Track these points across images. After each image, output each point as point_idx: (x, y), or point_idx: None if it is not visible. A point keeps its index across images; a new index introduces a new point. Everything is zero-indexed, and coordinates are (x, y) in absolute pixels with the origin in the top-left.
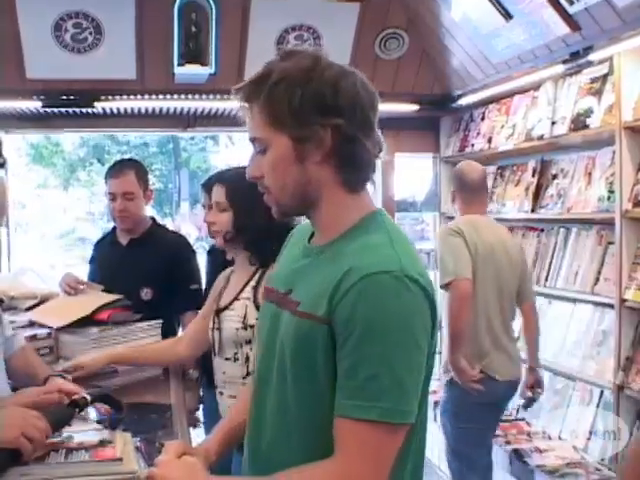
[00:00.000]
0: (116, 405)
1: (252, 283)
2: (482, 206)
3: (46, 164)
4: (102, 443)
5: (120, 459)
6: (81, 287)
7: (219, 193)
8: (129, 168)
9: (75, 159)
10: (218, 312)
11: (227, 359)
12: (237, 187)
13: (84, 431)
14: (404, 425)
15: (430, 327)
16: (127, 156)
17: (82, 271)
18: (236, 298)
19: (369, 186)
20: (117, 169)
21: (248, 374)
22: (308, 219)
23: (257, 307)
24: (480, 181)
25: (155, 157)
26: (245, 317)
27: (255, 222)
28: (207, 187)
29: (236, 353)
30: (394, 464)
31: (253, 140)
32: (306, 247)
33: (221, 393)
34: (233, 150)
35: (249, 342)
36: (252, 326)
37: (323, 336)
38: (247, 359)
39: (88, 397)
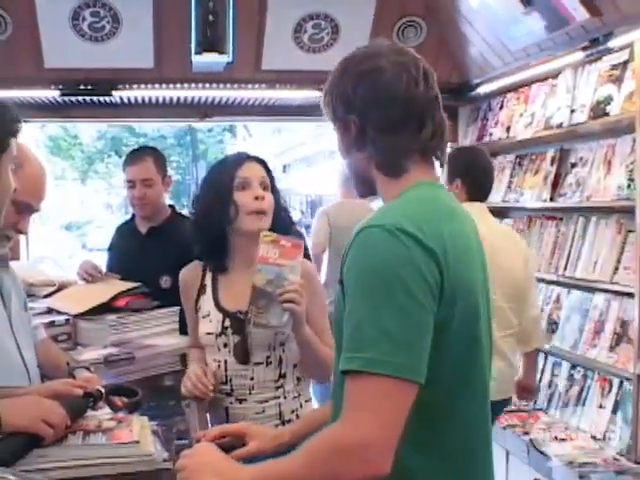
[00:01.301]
0: (132, 393)
1: None
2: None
3: (64, 156)
4: (119, 426)
5: (137, 442)
6: (99, 275)
7: (264, 172)
8: (147, 155)
9: (93, 151)
10: (237, 316)
11: (257, 364)
12: (271, 171)
13: (101, 415)
14: (401, 380)
15: (438, 284)
16: None
17: (97, 258)
18: None
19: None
20: (135, 156)
21: (281, 376)
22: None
23: None
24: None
25: (172, 149)
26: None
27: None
28: None
29: (269, 357)
30: (438, 428)
31: None
32: None
33: (240, 401)
34: (250, 142)
35: (283, 344)
36: (286, 326)
37: (340, 296)
38: (280, 361)
39: (102, 390)
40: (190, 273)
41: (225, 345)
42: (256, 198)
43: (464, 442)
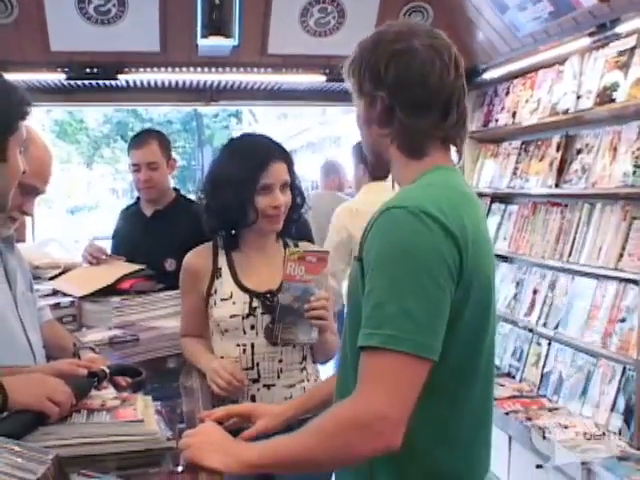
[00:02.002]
0: (136, 373)
1: None
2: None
3: (70, 141)
4: (123, 405)
5: (141, 420)
6: (103, 257)
7: (286, 172)
8: (152, 138)
9: (99, 136)
10: (265, 295)
11: (286, 345)
12: (292, 161)
13: (105, 395)
14: (417, 357)
15: (457, 268)
16: None
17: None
18: None
19: (437, 152)
20: (140, 139)
21: (304, 358)
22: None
23: None
24: None
25: (178, 134)
26: None
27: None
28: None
29: None
30: (444, 410)
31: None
32: None
33: (268, 387)
34: (256, 127)
35: None
36: None
37: (359, 273)
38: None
39: (107, 370)
40: (199, 258)
41: (252, 327)
42: (275, 207)
43: (467, 424)
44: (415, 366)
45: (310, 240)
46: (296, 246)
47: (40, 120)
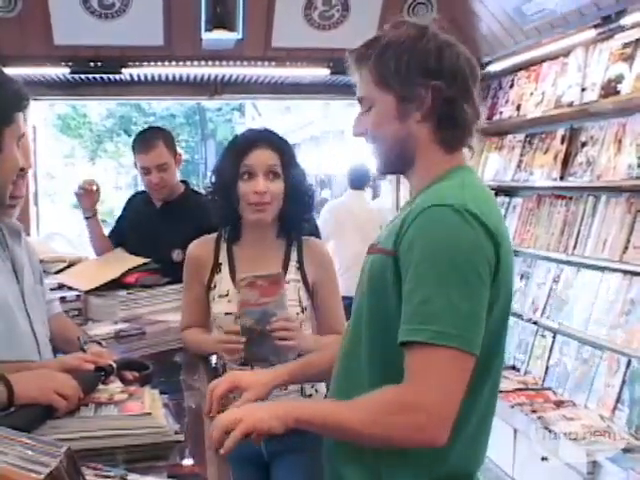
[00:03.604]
0: (143, 367)
1: (294, 263)
2: None
3: (73, 135)
4: (130, 399)
5: (149, 413)
6: (94, 188)
7: (274, 158)
8: (157, 139)
9: (102, 130)
10: None
11: (256, 365)
12: (289, 151)
13: (112, 388)
14: (465, 353)
15: (494, 265)
16: None
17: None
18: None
19: (465, 150)
20: (145, 143)
21: (300, 356)
22: (405, 177)
23: (307, 287)
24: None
25: (182, 128)
26: (300, 299)
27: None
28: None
29: None
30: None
31: (360, 99)
32: (404, 205)
33: None
34: (259, 121)
35: (302, 321)
36: (306, 307)
37: (392, 267)
38: None
39: (114, 364)
40: (201, 249)
41: None
42: (256, 192)
43: (476, 417)
44: (463, 362)
45: (314, 235)
46: (299, 243)
47: (43, 114)
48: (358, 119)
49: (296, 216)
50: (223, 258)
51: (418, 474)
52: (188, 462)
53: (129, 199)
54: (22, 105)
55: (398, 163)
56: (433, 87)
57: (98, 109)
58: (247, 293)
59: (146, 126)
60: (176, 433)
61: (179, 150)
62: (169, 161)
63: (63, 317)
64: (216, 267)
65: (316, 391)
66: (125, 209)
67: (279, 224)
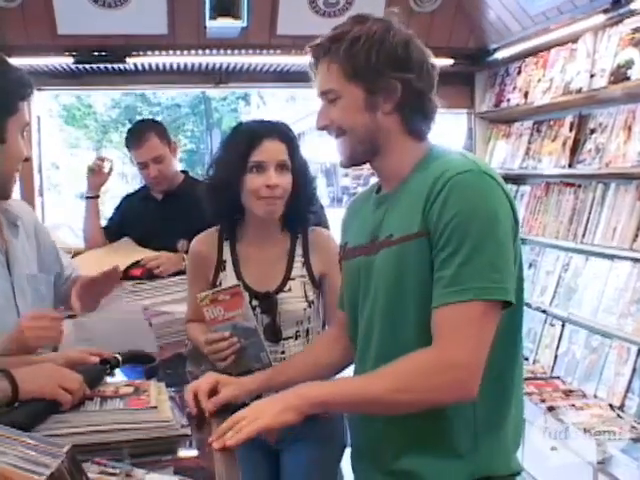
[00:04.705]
0: (148, 359)
1: (299, 258)
2: None
3: (78, 125)
4: (136, 392)
5: (154, 407)
6: (105, 170)
7: (284, 151)
8: (148, 132)
9: (107, 120)
10: (264, 296)
11: (286, 339)
12: (296, 142)
13: (118, 382)
14: (499, 303)
15: (513, 222)
16: (159, 117)
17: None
18: (289, 278)
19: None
20: (138, 137)
21: None
22: (373, 168)
23: (313, 280)
24: None
25: (187, 118)
26: (306, 295)
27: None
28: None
29: (297, 331)
30: (509, 348)
31: (324, 92)
32: (377, 198)
33: None
34: (265, 110)
35: (310, 317)
36: (313, 301)
37: (424, 249)
38: (307, 333)
39: (119, 357)
40: (205, 245)
41: None
42: (268, 186)
43: (518, 375)
44: (498, 313)
45: (322, 225)
46: (304, 236)
47: (48, 105)
48: (321, 112)
49: (302, 209)
50: (227, 255)
51: (494, 437)
52: (193, 454)
53: (127, 196)
54: (25, 93)
55: (366, 154)
56: (403, 80)
57: (103, 99)
58: (212, 310)
59: (152, 116)
60: (182, 427)
61: (180, 139)
62: (164, 152)
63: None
64: (220, 265)
65: None
66: (122, 203)
67: (283, 218)
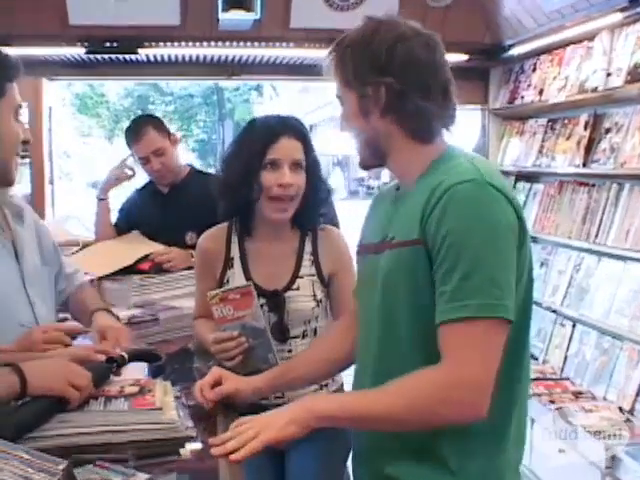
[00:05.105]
0: (155, 357)
1: (308, 256)
2: None
3: (91, 114)
4: (142, 392)
5: (160, 408)
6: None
7: (299, 149)
8: (145, 126)
9: (120, 110)
10: (272, 294)
11: (294, 338)
12: (310, 140)
13: (124, 380)
14: (502, 320)
15: (519, 234)
16: (171, 107)
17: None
18: (297, 276)
19: (445, 134)
20: (135, 132)
21: None
22: (388, 168)
23: (322, 279)
24: None
25: (199, 108)
26: (314, 294)
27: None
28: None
29: (305, 330)
30: (512, 368)
31: (337, 97)
32: (395, 196)
33: None
34: (277, 101)
35: (317, 316)
36: (321, 300)
37: (421, 257)
38: (315, 332)
39: (126, 355)
40: (213, 242)
41: None
42: (280, 185)
43: (524, 386)
44: (502, 330)
45: (332, 223)
46: (314, 234)
47: (61, 94)
48: (340, 117)
49: (313, 208)
50: (235, 252)
51: (488, 456)
52: (198, 456)
53: (136, 190)
54: (11, 74)
55: (373, 158)
56: (385, 84)
57: (116, 88)
58: (221, 309)
59: (164, 106)
60: (187, 429)
61: (173, 132)
62: (163, 145)
63: (83, 290)
64: (228, 262)
65: (333, 380)
66: (127, 206)
67: (293, 216)
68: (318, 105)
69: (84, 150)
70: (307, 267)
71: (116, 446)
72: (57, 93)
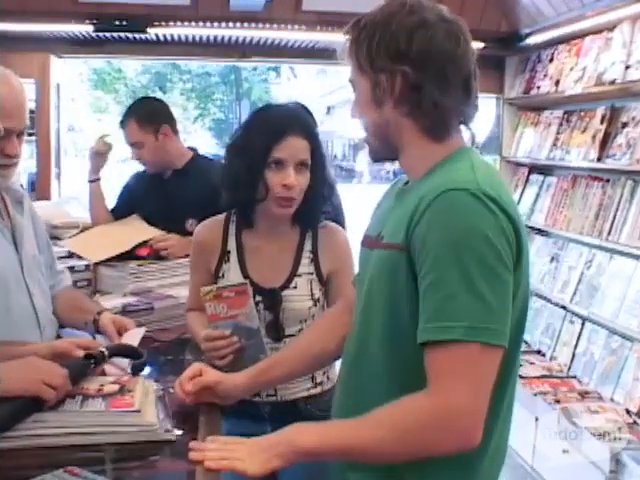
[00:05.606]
0: (136, 354)
1: (307, 254)
2: None
3: (108, 90)
4: (121, 391)
5: (138, 410)
6: (106, 148)
7: (306, 148)
8: (130, 117)
9: (137, 86)
10: (268, 292)
11: (288, 337)
12: (318, 136)
13: (103, 378)
14: (495, 346)
15: (516, 249)
16: (189, 85)
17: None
18: (295, 274)
19: (463, 131)
20: (121, 121)
21: None
22: (399, 163)
23: (320, 280)
24: None
25: (217, 87)
26: (312, 293)
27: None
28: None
29: (300, 329)
30: (496, 387)
31: (350, 82)
32: (400, 190)
33: None
34: (295, 83)
35: (314, 315)
36: (319, 299)
37: (403, 265)
38: None
39: (105, 351)
40: (209, 233)
41: None
42: (284, 186)
43: (505, 406)
44: (492, 355)
45: (337, 222)
46: (315, 231)
47: (78, 68)
48: (352, 103)
49: (315, 206)
50: (232, 246)
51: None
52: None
53: (137, 174)
54: None
55: (384, 150)
56: (401, 72)
57: (134, 65)
58: (214, 306)
59: (181, 84)
60: (166, 431)
61: (164, 127)
62: (142, 139)
63: (74, 290)
64: (224, 255)
65: (327, 378)
66: (127, 189)
67: (295, 212)
68: (335, 87)
69: (100, 126)
70: (306, 265)
71: (92, 448)
72: (74, 69)
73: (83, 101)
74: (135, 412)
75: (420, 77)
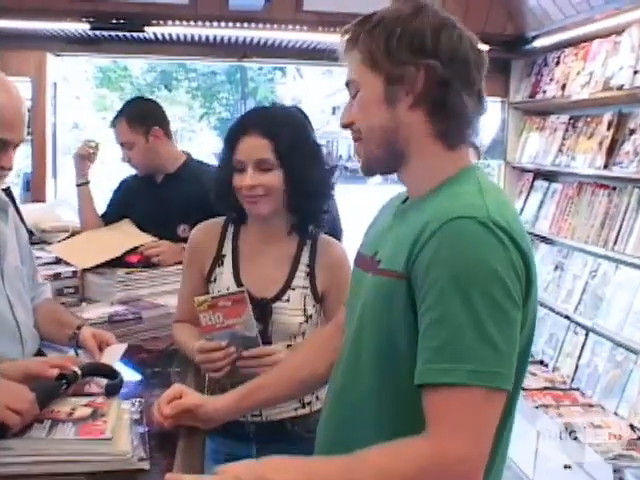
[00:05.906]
0: (111, 374)
1: (303, 267)
2: None
3: (113, 88)
4: (93, 415)
5: (109, 438)
6: (90, 151)
7: (264, 148)
8: (121, 116)
9: (143, 84)
10: (259, 302)
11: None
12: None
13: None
14: (500, 390)
15: (524, 283)
16: (195, 84)
17: None
18: (289, 287)
19: (470, 146)
20: (112, 121)
21: None
22: (398, 176)
23: (315, 296)
24: None
25: (222, 86)
26: (305, 308)
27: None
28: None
29: (289, 345)
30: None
31: (347, 84)
32: (398, 208)
33: None
34: (301, 83)
35: (304, 332)
36: (311, 316)
37: (402, 294)
38: None
39: (79, 371)
40: (206, 235)
41: None
42: (242, 187)
43: (506, 437)
44: (497, 400)
45: (333, 235)
46: (313, 243)
47: (82, 66)
48: (345, 108)
49: (305, 208)
50: (227, 250)
51: None
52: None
53: (130, 177)
54: None
55: (387, 160)
56: (426, 66)
57: (139, 63)
58: (210, 317)
59: (187, 82)
60: (140, 460)
61: (155, 128)
62: (132, 140)
63: (53, 303)
64: (218, 258)
65: (317, 398)
66: (119, 193)
67: (290, 218)
68: (342, 87)
69: (103, 124)
70: (301, 278)
71: (61, 476)
72: (78, 67)
73: (87, 99)
74: (106, 440)
75: (447, 72)
